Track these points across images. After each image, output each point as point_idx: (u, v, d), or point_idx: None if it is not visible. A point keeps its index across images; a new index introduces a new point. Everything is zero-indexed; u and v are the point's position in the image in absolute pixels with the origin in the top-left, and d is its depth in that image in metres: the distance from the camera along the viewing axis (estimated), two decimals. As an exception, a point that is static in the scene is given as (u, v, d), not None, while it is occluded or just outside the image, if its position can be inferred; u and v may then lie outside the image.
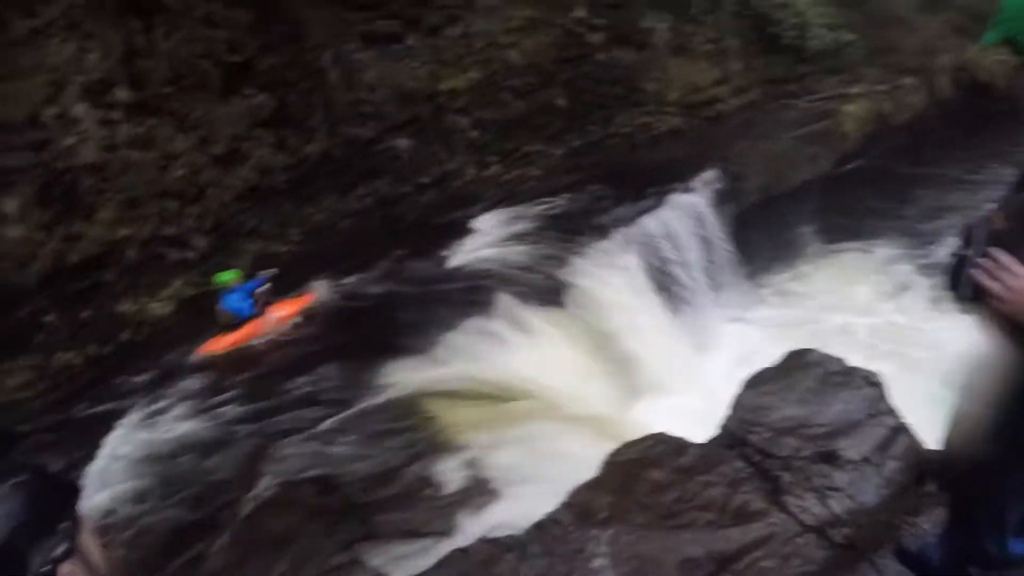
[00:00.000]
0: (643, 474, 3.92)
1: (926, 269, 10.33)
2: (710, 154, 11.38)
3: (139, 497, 6.09)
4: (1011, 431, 2.26)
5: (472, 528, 5.04)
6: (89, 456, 6.74)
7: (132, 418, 7.22)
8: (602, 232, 9.29)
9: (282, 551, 5.26)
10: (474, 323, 7.80)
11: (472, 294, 8.32)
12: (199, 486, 6.16)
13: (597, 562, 3.45)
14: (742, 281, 10.59)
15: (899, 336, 9.36)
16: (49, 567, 1.12)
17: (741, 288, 10.53)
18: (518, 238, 9.39)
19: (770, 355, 4.67)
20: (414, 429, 6.40)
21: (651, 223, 9.57)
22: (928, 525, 3.25)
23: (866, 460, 3.78)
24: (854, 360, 4.54)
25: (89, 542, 1.24)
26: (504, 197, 10.97)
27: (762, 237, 11.03)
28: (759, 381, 4.48)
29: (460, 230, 9.98)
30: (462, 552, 3.70)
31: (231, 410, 7.09)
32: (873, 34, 14.22)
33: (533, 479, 5.57)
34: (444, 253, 9.42)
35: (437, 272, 9.04)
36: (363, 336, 8.04)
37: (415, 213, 11.14)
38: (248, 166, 10.19)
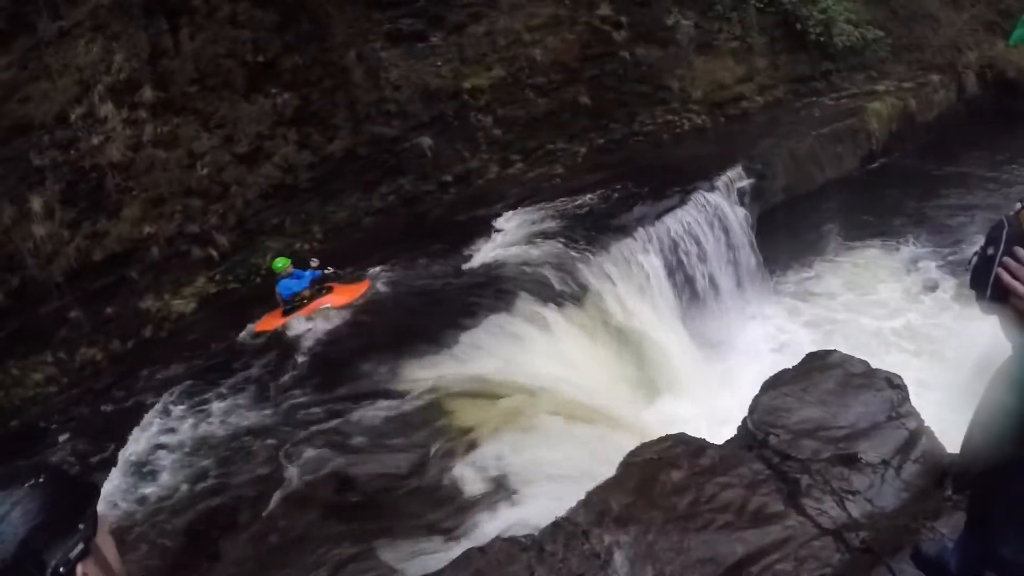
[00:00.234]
0: (661, 475, 3.90)
1: (952, 268, 10.22)
2: (734, 152, 11.32)
3: (159, 495, 6.16)
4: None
5: (489, 527, 5.03)
6: (110, 452, 6.83)
7: (153, 415, 7.30)
8: (625, 231, 9.26)
9: (301, 548, 5.29)
10: (495, 321, 7.80)
11: (494, 292, 8.33)
12: (218, 483, 6.21)
13: (613, 563, 3.44)
14: (765, 280, 10.53)
15: (924, 336, 9.27)
16: (66, 567, 1.13)
17: (764, 287, 10.48)
18: (540, 236, 9.36)
19: (791, 355, 4.63)
20: (433, 426, 6.40)
21: (674, 222, 9.52)
22: (946, 530, 3.21)
23: (885, 463, 3.75)
24: (877, 361, 4.50)
25: (106, 542, 1.25)
26: (527, 195, 10.96)
27: (786, 236, 10.97)
28: (779, 382, 4.45)
29: (483, 228, 10.00)
30: (479, 550, 3.69)
31: (251, 408, 7.15)
32: (899, 31, 14.10)
33: (551, 478, 5.56)
34: (467, 251, 9.43)
35: (459, 269, 9.05)
36: (385, 332, 8.07)
37: (438, 211, 11.18)
38: (272, 164, 10.30)
